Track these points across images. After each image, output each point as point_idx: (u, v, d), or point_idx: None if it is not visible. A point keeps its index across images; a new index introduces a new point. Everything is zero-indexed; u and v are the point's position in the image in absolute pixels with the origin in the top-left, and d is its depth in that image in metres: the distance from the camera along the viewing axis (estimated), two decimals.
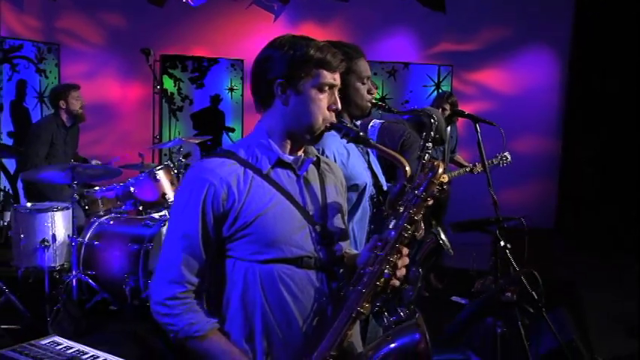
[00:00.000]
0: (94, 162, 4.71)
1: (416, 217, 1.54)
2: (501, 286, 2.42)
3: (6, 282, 3.83)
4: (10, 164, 5.93)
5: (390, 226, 1.55)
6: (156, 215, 4.23)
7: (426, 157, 2.20)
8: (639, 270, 5.12)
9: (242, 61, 7.22)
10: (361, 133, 1.62)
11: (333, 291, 1.54)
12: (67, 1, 6.62)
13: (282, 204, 1.50)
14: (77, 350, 2.30)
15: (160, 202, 4.29)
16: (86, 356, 2.26)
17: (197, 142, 5.43)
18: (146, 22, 6.77)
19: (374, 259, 1.51)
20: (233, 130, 7.19)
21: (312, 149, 1.66)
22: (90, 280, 3.87)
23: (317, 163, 1.65)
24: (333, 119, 1.57)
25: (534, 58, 7.47)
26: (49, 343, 2.35)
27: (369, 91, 2.18)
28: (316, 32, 7.18)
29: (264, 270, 1.48)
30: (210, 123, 7.12)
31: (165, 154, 6.86)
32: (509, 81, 7.52)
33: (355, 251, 1.69)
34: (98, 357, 2.26)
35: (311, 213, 1.55)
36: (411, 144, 2.98)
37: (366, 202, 2.11)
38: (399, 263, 1.52)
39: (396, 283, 1.53)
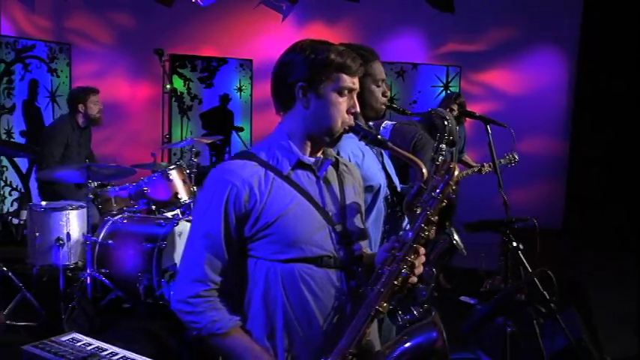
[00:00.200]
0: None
1: (432, 218, 1.57)
2: (518, 285, 2.44)
3: (21, 280, 3.87)
4: (22, 163, 5.99)
5: (407, 227, 1.58)
6: (168, 214, 4.27)
7: (439, 159, 2.23)
8: None
9: (251, 60, 7.26)
10: (379, 136, 1.65)
11: (352, 290, 1.56)
12: (76, 1, 6.66)
13: (303, 205, 1.54)
14: (96, 347, 2.34)
15: (173, 202, 4.32)
16: (105, 353, 2.30)
17: (209, 142, 5.45)
18: (155, 22, 6.81)
19: (392, 258, 1.53)
20: (242, 130, 7.23)
21: (331, 151, 1.68)
22: (104, 279, 3.91)
23: (336, 165, 1.68)
24: (352, 122, 1.60)
25: (542, 59, 7.48)
26: (69, 339, 2.39)
27: (383, 94, 2.21)
28: (324, 32, 7.21)
29: (285, 269, 1.51)
30: (219, 122, 7.17)
31: (175, 154, 6.91)
32: (517, 81, 7.53)
33: (371, 251, 1.73)
34: (117, 354, 2.30)
35: (330, 213, 1.58)
36: (422, 145, 3.02)
37: (380, 203, 2.14)
38: (417, 262, 1.55)
39: (414, 280, 1.56)
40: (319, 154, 1.64)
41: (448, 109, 4.64)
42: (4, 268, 3.73)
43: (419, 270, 1.56)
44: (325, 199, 1.59)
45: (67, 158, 4.60)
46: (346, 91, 1.56)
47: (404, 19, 7.27)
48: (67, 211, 4.00)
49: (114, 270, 3.96)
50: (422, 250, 1.57)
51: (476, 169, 4.79)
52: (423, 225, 1.55)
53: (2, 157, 5.78)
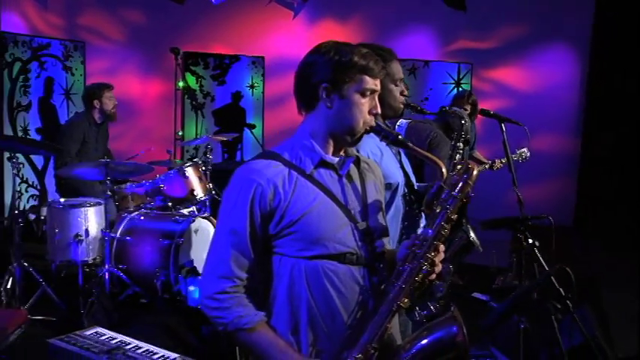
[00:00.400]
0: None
1: (452, 217, 1.61)
2: (536, 282, 2.47)
3: (42, 275, 3.92)
4: (38, 160, 6.07)
5: (427, 225, 1.62)
6: (184, 211, 4.32)
7: (457, 157, 2.27)
8: None
9: (262, 58, 7.29)
10: (400, 136, 1.69)
11: (375, 286, 1.60)
12: None
13: (326, 203, 1.57)
14: (120, 341, 2.41)
15: (189, 199, 4.36)
16: (129, 346, 2.36)
17: (224, 139, 5.49)
18: (168, 20, 6.84)
19: (413, 255, 1.57)
20: (254, 127, 7.27)
21: (352, 149, 1.72)
22: (122, 274, 3.96)
23: (357, 163, 1.71)
24: (373, 123, 1.63)
25: (553, 56, 7.47)
26: (92, 333, 2.46)
27: (401, 93, 2.25)
28: (336, 29, 7.25)
29: (309, 266, 1.54)
30: (231, 119, 7.22)
31: (188, 151, 6.97)
32: (528, 79, 7.53)
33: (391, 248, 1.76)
34: (140, 347, 2.36)
35: (353, 211, 1.61)
36: (437, 143, 3.04)
37: (399, 201, 2.18)
38: (436, 259, 1.59)
39: (434, 277, 1.60)
40: (341, 153, 1.67)
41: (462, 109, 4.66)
42: (25, 264, 3.79)
43: (439, 267, 1.60)
44: (348, 196, 1.63)
45: (84, 154, 4.66)
46: (368, 93, 1.60)
47: (415, 16, 7.28)
48: (86, 208, 4.06)
49: (131, 266, 4.01)
50: (441, 248, 1.61)
51: (487, 166, 4.81)
52: (443, 223, 1.59)
53: (19, 155, 5.84)
